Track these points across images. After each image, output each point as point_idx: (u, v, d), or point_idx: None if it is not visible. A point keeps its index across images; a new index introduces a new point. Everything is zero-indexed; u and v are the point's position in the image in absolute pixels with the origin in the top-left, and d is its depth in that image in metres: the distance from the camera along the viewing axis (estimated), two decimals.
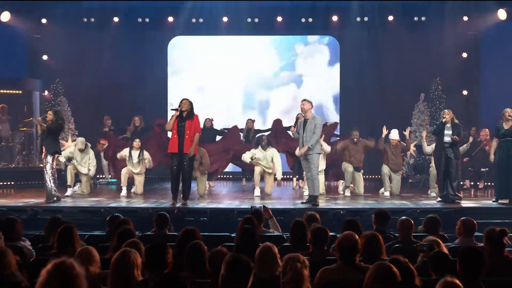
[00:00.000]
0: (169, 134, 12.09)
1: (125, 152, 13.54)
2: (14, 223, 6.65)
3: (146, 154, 13.50)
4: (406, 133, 13.80)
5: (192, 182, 12.10)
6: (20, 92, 16.50)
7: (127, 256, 4.46)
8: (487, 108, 14.81)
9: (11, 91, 16.60)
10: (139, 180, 13.47)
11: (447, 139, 11.73)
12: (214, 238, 7.38)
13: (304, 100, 11.58)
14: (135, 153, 13.30)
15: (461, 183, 14.91)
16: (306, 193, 12.34)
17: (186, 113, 11.30)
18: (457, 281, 4.26)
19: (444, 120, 11.88)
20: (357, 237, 5.72)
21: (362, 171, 13.71)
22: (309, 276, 4.79)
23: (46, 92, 16.77)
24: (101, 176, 16.05)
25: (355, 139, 13.52)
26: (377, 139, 13.68)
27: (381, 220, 7.99)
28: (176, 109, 11.32)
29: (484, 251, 6.48)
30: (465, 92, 17.37)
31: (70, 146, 13.65)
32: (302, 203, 11.65)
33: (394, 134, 13.27)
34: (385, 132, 13.38)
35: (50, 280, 3.33)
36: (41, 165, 11.92)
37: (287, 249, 6.70)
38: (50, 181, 11.54)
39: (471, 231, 7.16)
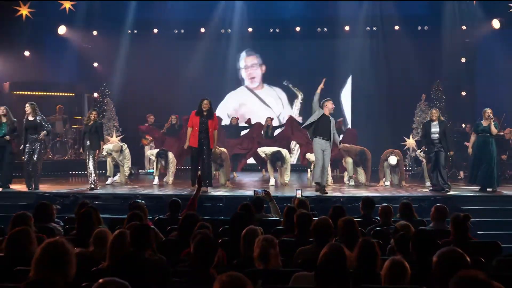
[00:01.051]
0: None
1: (152, 152, 13.91)
2: (45, 207, 6.77)
3: (170, 155, 13.56)
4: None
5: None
6: (73, 94, 16.71)
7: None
8: (483, 107, 14.87)
9: (65, 94, 16.83)
10: (171, 171, 13.55)
11: (435, 135, 11.94)
12: (218, 221, 7.58)
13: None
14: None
15: (456, 174, 15.23)
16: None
17: (207, 112, 11.66)
18: (403, 260, 4.33)
19: (432, 118, 12.06)
20: (330, 221, 5.74)
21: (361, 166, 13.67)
22: (278, 254, 4.77)
23: (95, 94, 17.13)
24: (141, 167, 16.29)
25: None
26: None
27: (367, 206, 8.06)
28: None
29: (451, 234, 6.77)
30: (463, 93, 17.48)
31: (114, 142, 14.12)
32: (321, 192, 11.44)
33: (392, 160, 13.04)
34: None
35: (42, 256, 3.58)
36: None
37: (279, 231, 6.88)
38: (93, 172, 11.93)
39: (443, 216, 7.23)
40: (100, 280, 3.01)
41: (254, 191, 9.40)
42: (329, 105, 11.57)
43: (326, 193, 11.44)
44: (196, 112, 11.69)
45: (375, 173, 13.72)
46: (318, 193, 11.39)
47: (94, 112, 12.32)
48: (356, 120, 18.15)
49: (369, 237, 4.90)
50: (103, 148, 12.67)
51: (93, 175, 11.89)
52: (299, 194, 8.88)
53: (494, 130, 11.94)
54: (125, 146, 13.71)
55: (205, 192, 11.48)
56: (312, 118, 11.47)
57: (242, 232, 5.39)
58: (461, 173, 15.12)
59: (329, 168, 13.48)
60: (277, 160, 13.27)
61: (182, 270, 4.26)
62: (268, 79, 19.21)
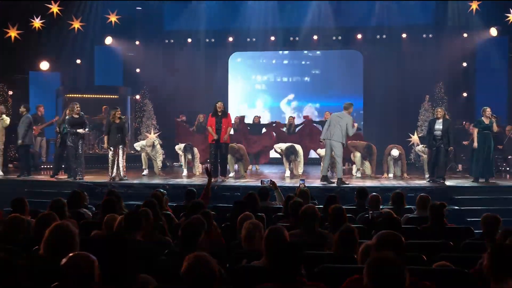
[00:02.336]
0: None
1: (179, 147, 13.88)
2: (77, 195, 6.94)
3: (195, 150, 13.63)
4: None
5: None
6: (117, 97, 16.87)
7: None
8: (481, 107, 14.62)
9: (110, 96, 16.97)
10: (197, 165, 13.66)
11: (437, 132, 11.82)
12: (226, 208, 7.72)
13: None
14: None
15: (455, 167, 15.03)
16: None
17: (221, 112, 11.83)
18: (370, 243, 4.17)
19: (437, 116, 11.94)
20: (316, 209, 5.70)
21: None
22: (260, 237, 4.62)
23: (137, 96, 17.40)
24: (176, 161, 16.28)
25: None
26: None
27: (360, 196, 8.11)
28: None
29: (429, 220, 6.74)
30: (465, 94, 17.28)
31: (152, 138, 14.14)
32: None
33: (395, 152, 13.00)
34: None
35: (49, 237, 3.69)
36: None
37: (280, 217, 7.01)
38: (120, 165, 11.99)
39: (425, 205, 7.04)
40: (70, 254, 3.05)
41: (261, 181, 9.42)
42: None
43: (344, 183, 11.36)
44: (212, 114, 11.93)
45: (381, 166, 13.64)
46: (325, 183, 11.44)
47: (119, 111, 12.35)
48: (368, 118, 18.04)
49: (350, 224, 4.86)
50: (127, 143, 12.81)
51: (121, 167, 11.97)
52: (302, 184, 8.87)
53: (496, 128, 11.83)
54: (157, 141, 13.76)
55: (222, 182, 11.68)
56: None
57: (238, 218, 5.45)
58: (460, 166, 14.94)
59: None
60: (291, 154, 13.29)
61: (172, 251, 4.31)
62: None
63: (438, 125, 11.76)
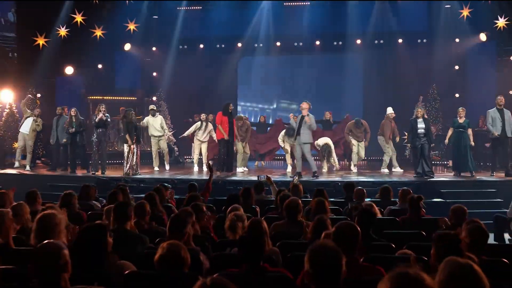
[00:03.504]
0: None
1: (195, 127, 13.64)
2: (88, 188, 7.04)
3: (210, 126, 13.38)
4: None
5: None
6: (135, 98, 17.07)
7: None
8: (472, 107, 14.57)
9: (128, 98, 17.20)
10: (204, 161, 13.40)
11: (420, 130, 11.80)
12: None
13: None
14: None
15: (446, 162, 14.95)
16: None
17: (232, 112, 11.89)
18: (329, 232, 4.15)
19: (417, 115, 11.94)
20: (300, 201, 5.72)
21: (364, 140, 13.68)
22: (243, 228, 4.69)
23: (154, 98, 17.54)
24: (188, 156, 16.44)
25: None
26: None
27: (347, 189, 8.11)
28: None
29: (407, 211, 6.75)
30: (457, 95, 17.14)
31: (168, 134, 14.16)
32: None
33: (320, 141, 13.27)
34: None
35: (37, 225, 3.74)
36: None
37: (271, 209, 7.07)
38: (133, 161, 12.13)
39: (406, 197, 7.00)
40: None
41: (258, 176, 9.45)
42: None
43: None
44: (223, 113, 11.92)
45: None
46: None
47: (134, 112, 12.49)
48: (367, 117, 17.91)
49: (324, 215, 4.88)
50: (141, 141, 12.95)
51: (136, 163, 12.10)
52: (295, 179, 8.90)
53: (470, 131, 11.83)
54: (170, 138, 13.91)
55: (226, 177, 11.64)
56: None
57: (228, 209, 5.51)
58: (450, 162, 14.81)
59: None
60: (325, 150, 13.34)
61: (162, 239, 4.34)
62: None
63: (421, 124, 11.82)
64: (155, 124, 13.44)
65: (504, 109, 11.83)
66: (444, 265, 2.25)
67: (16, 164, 13.74)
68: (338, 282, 2.55)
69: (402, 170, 13.14)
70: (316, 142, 13.30)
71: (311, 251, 2.57)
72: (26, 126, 13.50)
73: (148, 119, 13.44)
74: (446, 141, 12.02)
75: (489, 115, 11.89)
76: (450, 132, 11.96)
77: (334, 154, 13.60)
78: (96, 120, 12.35)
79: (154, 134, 13.46)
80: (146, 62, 18.19)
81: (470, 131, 11.92)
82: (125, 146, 12.05)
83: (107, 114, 12.58)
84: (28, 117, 13.68)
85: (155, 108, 13.76)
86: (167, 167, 13.78)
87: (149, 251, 3.88)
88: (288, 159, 13.50)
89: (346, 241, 3.25)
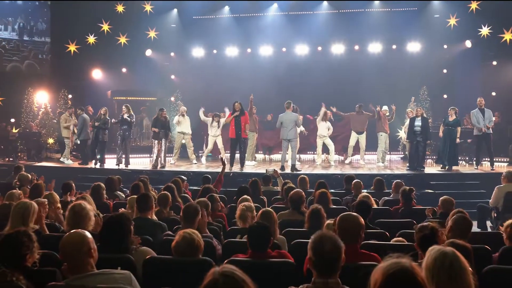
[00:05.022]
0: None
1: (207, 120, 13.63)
2: (111, 180, 7.05)
3: (221, 123, 13.27)
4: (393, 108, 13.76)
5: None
6: (155, 99, 17.04)
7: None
8: (458, 107, 14.36)
9: (149, 98, 17.19)
10: (222, 152, 13.35)
11: (417, 128, 11.72)
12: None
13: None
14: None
15: (435, 157, 14.80)
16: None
17: (239, 111, 11.78)
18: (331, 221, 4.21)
19: (417, 114, 11.89)
20: (303, 193, 5.73)
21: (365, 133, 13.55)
22: (254, 217, 4.71)
23: (172, 98, 17.55)
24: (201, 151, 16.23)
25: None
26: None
27: (347, 181, 8.12)
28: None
29: (400, 202, 6.72)
30: (445, 96, 16.99)
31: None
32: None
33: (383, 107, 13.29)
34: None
35: (69, 214, 3.77)
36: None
37: (277, 199, 7.07)
38: (162, 155, 12.15)
39: (399, 189, 7.03)
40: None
41: (266, 170, 9.44)
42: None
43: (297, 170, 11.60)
44: (232, 112, 11.87)
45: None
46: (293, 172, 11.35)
47: (165, 112, 12.51)
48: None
49: (319, 206, 4.86)
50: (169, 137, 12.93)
51: (162, 157, 12.11)
52: (268, 171, 8.95)
53: (459, 129, 11.74)
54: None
55: (241, 170, 11.60)
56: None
57: (238, 200, 5.56)
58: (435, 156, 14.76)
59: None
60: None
61: (179, 227, 4.36)
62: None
63: (418, 122, 11.74)
64: (185, 123, 13.48)
65: (485, 108, 11.75)
66: (429, 252, 2.31)
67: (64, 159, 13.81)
68: (337, 269, 2.54)
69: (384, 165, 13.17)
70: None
71: (313, 241, 2.55)
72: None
73: (179, 118, 13.42)
74: (440, 134, 11.83)
75: (473, 115, 11.86)
76: (441, 129, 11.83)
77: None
78: (120, 119, 12.44)
79: (185, 131, 13.43)
80: (165, 66, 18.11)
81: (459, 129, 11.86)
82: (154, 141, 12.01)
83: (132, 113, 12.64)
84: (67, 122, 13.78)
85: (185, 109, 13.75)
86: (203, 160, 13.68)
87: (167, 238, 3.87)
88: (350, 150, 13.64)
89: (350, 232, 3.24)
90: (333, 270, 2.51)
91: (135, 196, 5.34)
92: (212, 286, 1.65)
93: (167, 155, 12.96)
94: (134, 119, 12.98)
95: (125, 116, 12.53)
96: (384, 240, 4.56)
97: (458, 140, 11.78)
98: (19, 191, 5.88)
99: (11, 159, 14.49)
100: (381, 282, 1.66)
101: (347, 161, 13.77)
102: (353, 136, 13.51)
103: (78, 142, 13.59)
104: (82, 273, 2.62)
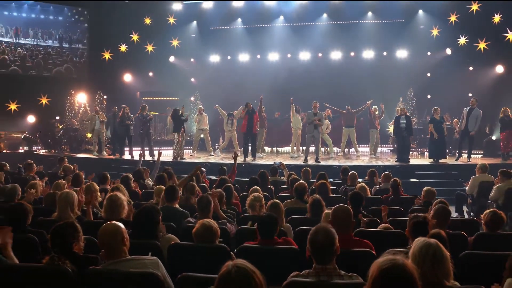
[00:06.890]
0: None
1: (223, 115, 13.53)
2: (139, 171, 7.04)
3: (235, 122, 13.09)
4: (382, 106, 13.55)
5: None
6: (177, 99, 16.94)
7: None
8: (439, 106, 14.19)
9: (172, 98, 17.08)
10: (236, 147, 13.23)
11: (402, 125, 11.64)
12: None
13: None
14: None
15: (420, 150, 14.66)
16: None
17: (251, 110, 11.77)
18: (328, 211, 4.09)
19: (401, 113, 11.79)
20: (306, 184, 5.68)
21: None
22: (263, 206, 4.63)
23: (192, 98, 17.56)
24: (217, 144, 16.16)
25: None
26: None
27: (344, 172, 8.04)
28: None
29: (390, 191, 6.67)
30: (429, 96, 16.82)
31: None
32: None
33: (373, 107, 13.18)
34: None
35: (106, 203, 3.78)
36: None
37: (283, 189, 6.99)
38: (180, 147, 12.06)
39: (388, 179, 7.06)
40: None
41: (274, 162, 9.39)
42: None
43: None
44: (245, 111, 11.86)
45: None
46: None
47: (183, 108, 12.47)
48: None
49: (318, 196, 4.84)
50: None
51: (183, 149, 12.14)
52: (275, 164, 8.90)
53: (444, 126, 11.63)
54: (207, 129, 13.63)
55: (249, 162, 11.57)
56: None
57: (250, 190, 5.56)
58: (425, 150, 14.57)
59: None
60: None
61: (197, 214, 4.36)
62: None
63: (403, 120, 11.64)
64: (204, 120, 13.41)
65: (475, 108, 11.57)
66: (415, 242, 2.36)
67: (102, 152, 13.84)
68: (332, 257, 2.55)
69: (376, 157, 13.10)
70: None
71: (310, 233, 2.57)
72: (98, 123, 13.60)
73: (198, 117, 13.39)
74: (435, 135, 11.44)
75: (463, 112, 11.80)
76: (431, 127, 11.62)
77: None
78: (139, 117, 12.60)
79: (202, 128, 13.34)
80: (186, 70, 18.08)
81: (444, 125, 11.75)
82: (175, 135, 11.98)
83: (147, 112, 12.71)
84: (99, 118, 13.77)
85: (203, 108, 13.71)
86: (219, 153, 13.51)
87: (189, 225, 3.90)
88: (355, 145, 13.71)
89: (342, 222, 3.24)
90: (327, 258, 2.52)
91: (160, 186, 5.37)
92: (226, 275, 1.68)
93: (185, 147, 12.89)
94: (149, 117, 12.92)
95: (144, 113, 12.58)
96: (376, 227, 4.55)
97: (456, 135, 11.64)
98: (64, 181, 5.95)
99: (56, 151, 14.67)
100: (376, 275, 1.69)
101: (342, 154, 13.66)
102: (345, 132, 13.41)
103: (110, 135, 13.63)
104: (117, 259, 2.66)
